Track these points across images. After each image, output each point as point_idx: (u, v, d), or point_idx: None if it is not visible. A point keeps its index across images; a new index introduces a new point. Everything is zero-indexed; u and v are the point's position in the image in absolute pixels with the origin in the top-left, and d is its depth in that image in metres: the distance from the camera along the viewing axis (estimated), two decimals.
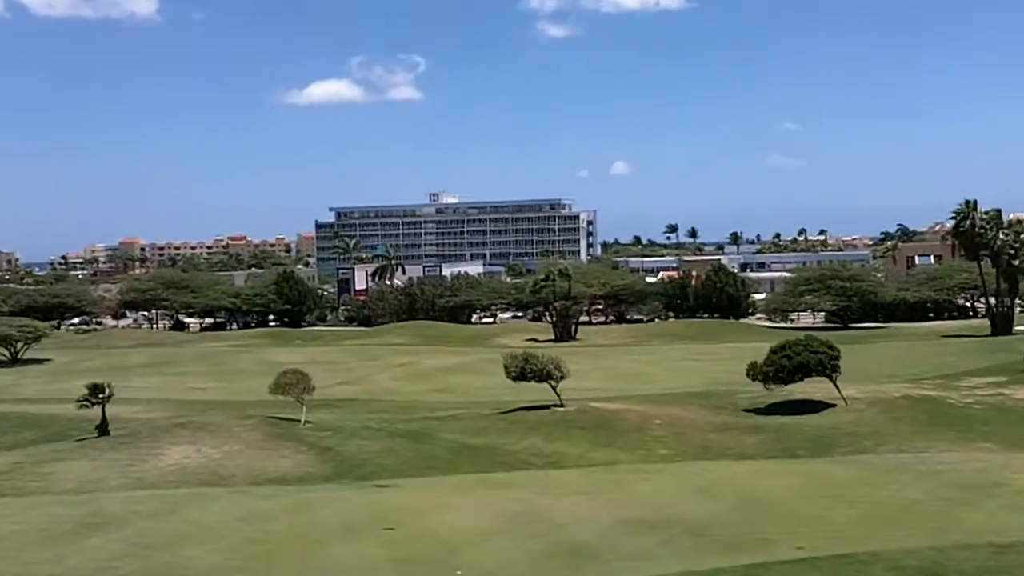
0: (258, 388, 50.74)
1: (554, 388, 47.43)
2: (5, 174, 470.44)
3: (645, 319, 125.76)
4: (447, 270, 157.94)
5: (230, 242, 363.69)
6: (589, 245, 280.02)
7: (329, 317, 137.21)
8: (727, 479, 35.77)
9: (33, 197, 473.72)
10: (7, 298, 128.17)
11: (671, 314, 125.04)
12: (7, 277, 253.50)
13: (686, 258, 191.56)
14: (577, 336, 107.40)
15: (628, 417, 46.14)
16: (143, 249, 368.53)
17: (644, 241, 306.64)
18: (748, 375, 49.18)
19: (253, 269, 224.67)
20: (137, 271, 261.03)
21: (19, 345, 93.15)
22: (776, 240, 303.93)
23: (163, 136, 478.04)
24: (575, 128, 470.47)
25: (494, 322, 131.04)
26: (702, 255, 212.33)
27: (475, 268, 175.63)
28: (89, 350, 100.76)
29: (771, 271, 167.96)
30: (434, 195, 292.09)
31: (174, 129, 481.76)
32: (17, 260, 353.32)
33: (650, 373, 73.22)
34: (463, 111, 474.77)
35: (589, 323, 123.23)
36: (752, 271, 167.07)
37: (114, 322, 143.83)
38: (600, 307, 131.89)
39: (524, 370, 47.11)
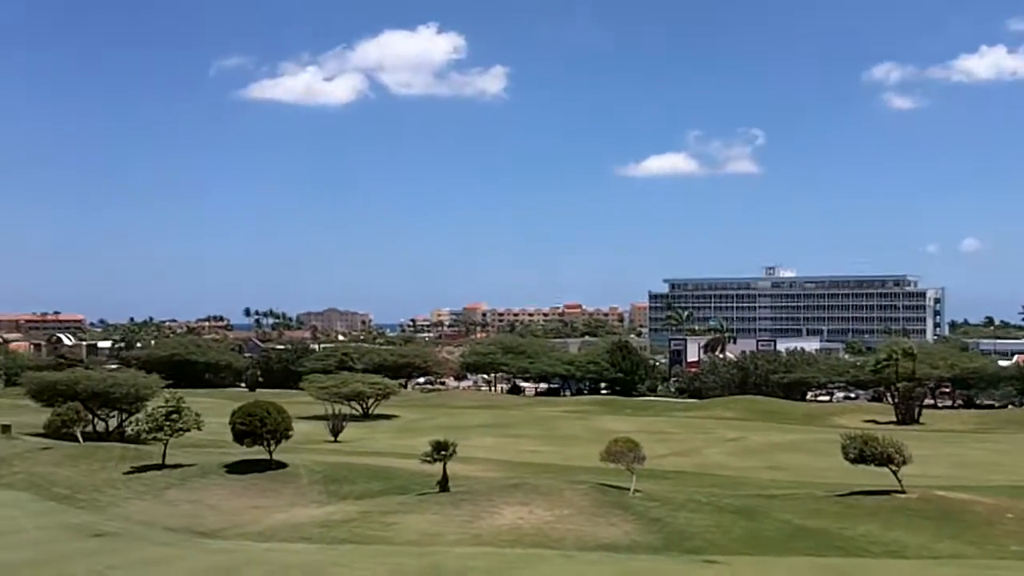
0: (589, 454, 51.14)
1: (895, 473, 45.00)
2: (362, 242, 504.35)
3: (996, 405, 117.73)
4: (781, 345, 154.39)
5: (566, 310, 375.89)
6: (936, 324, 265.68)
7: (660, 388, 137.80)
8: None
9: (387, 265, 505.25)
10: (361, 356, 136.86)
11: None
12: (361, 337, 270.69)
13: None
14: (921, 420, 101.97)
15: (976, 509, 43.03)
16: (485, 314, 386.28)
17: (996, 322, 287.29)
18: None
19: (587, 337, 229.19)
20: (478, 335, 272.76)
21: (371, 401, 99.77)
22: None
23: (509, 209, 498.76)
24: (923, 202, 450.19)
25: (830, 400, 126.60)
26: None
27: (812, 344, 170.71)
28: (433, 408, 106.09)
29: None
30: (770, 268, 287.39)
31: (518, 202, 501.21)
32: (371, 321, 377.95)
33: (1002, 463, 68.23)
34: (803, 184, 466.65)
35: (934, 407, 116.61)
36: None
37: (456, 383, 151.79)
38: (946, 390, 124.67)
39: (863, 452, 44.79)
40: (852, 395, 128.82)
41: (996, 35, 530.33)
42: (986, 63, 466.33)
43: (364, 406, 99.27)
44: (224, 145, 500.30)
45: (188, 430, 53.50)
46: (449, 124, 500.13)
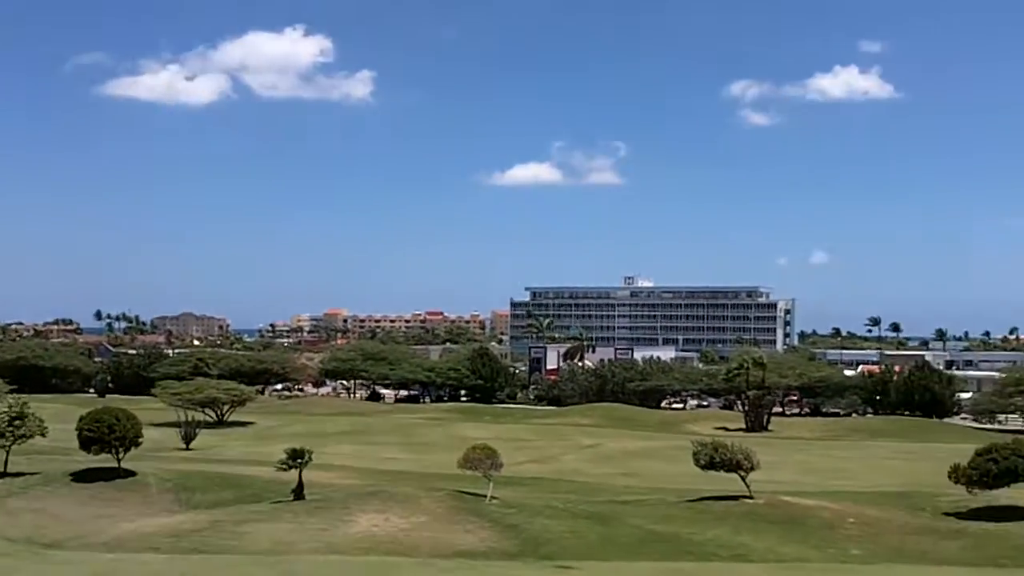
0: (447, 462, 51.29)
1: (743, 479, 46.33)
2: (219, 244, 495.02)
3: (842, 413, 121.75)
4: (639, 354, 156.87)
5: (427, 317, 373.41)
6: (786, 335, 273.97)
7: (520, 395, 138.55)
8: None
9: (246, 267, 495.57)
10: (217, 362, 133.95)
11: (869, 410, 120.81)
12: (218, 342, 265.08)
13: (888, 352, 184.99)
14: (769, 427, 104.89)
15: (820, 514, 44.58)
16: (346, 320, 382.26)
17: (844, 333, 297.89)
18: (950, 477, 46.89)
19: (448, 344, 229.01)
20: (339, 342, 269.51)
21: (225, 407, 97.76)
22: (985, 338, 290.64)
23: (371, 213, 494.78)
24: (775, 216, 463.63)
25: (683, 408, 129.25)
26: (905, 350, 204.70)
27: (667, 353, 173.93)
28: (290, 415, 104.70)
29: (979, 370, 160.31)
30: (629, 278, 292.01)
31: (381, 206, 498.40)
32: (228, 326, 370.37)
33: (845, 469, 70.69)
34: (662, 196, 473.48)
35: (782, 415, 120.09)
36: (958, 369, 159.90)
37: (315, 390, 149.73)
38: (794, 399, 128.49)
39: (713, 459, 46.19)
40: (705, 403, 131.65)
41: (849, 56, 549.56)
42: (839, 82, 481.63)
43: (219, 413, 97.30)
44: (82, 142, 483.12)
45: (32, 437, 51.69)
46: (314, 127, 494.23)
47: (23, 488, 48.02)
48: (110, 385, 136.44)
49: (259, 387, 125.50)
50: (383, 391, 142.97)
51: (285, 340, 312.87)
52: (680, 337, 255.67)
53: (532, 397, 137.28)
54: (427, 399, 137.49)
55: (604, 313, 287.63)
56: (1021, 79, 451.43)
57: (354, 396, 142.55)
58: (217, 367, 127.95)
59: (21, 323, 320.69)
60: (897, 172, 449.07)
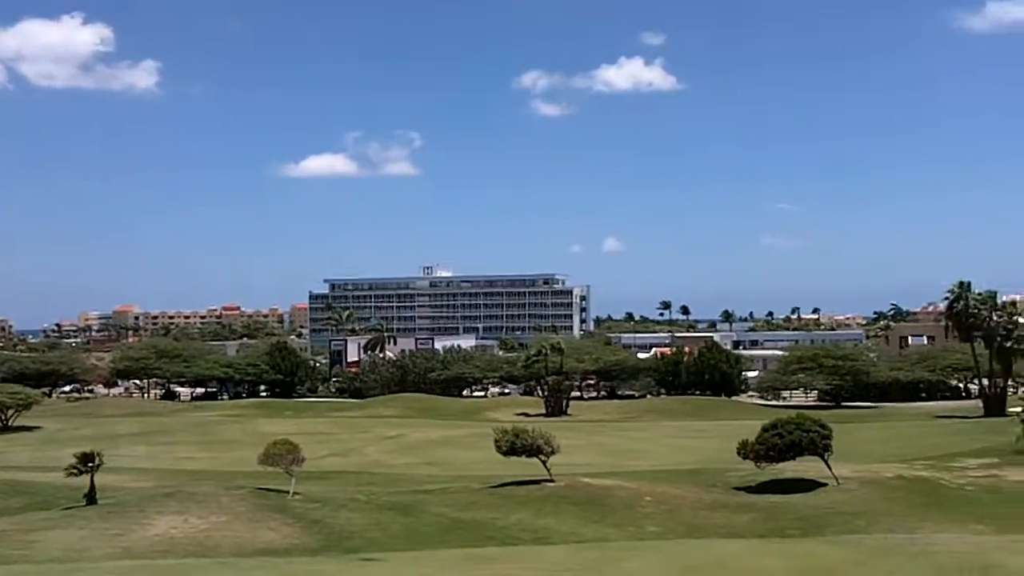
0: (248, 459, 50.33)
1: (544, 463, 47.21)
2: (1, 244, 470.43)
3: (637, 395, 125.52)
4: (439, 343, 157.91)
5: (224, 312, 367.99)
6: (582, 320, 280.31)
7: (321, 388, 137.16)
8: (716, 558, 35.45)
9: (28, 265, 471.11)
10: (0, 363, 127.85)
11: (663, 391, 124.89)
12: (0, 343, 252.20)
13: (678, 334, 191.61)
14: (569, 411, 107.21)
15: (618, 494, 45.87)
16: (137, 318, 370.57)
17: (637, 317, 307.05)
18: (739, 453, 48.98)
19: (246, 339, 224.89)
20: (130, 340, 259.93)
21: (10, 412, 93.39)
22: (769, 319, 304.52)
23: (159, 206, 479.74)
24: (568, 205, 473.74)
25: (485, 396, 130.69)
26: (695, 332, 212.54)
27: (468, 342, 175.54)
28: (80, 418, 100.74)
29: (764, 349, 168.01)
30: (428, 268, 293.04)
31: (170, 199, 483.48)
32: (11, 327, 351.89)
33: (642, 450, 72.98)
34: (458, 187, 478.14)
35: (581, 399, 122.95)
36: (745, 349, 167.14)
37: (106, 391, 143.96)
38: (592, 383, 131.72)
39: (514, 445, 46.87)
40: (506, 390, 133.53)
41: (633, 47, 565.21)
42: (624, 74, 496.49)
43: (3, 418, 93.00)
44: None
45: None
46: (95, 118, 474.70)
47: None
48: None
49: (46, 390, 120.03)
50: (178, 389, 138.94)
51: (73, 340, 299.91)
52: (480, 325, 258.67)
53: (334, 390, 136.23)
54: (225, 396, 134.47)
55: (404, 304, 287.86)
56: (797, 71, 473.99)
57: (148, 396, 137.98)
58: (1, 369, 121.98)
59: None
60: (681, 161, 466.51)
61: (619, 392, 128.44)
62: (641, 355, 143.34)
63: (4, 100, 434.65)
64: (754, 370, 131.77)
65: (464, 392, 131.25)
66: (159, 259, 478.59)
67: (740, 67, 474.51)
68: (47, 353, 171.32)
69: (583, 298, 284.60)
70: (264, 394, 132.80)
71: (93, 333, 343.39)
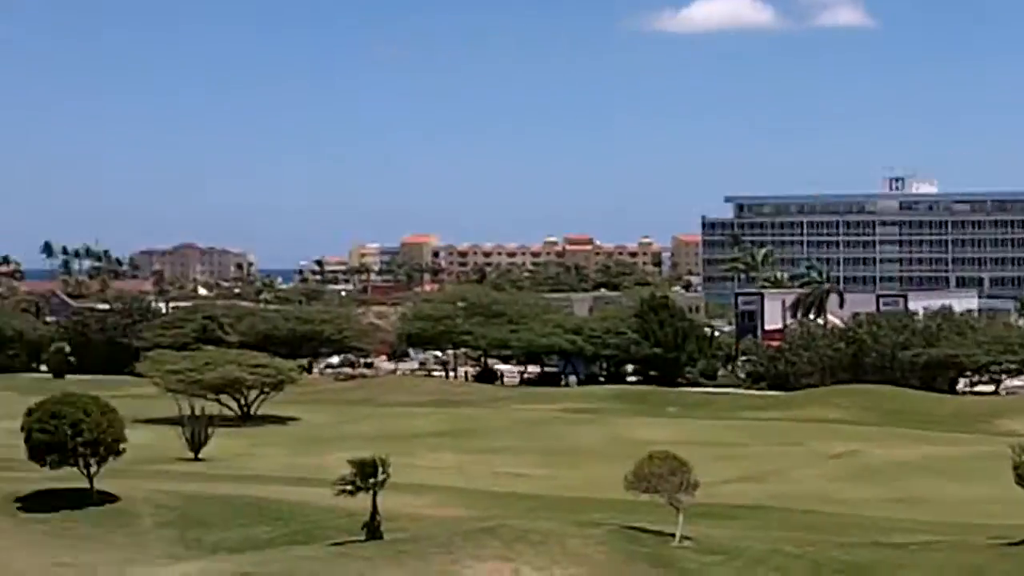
0: (609, 479, 41.04)
1: None
2: (224, 149, 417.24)
3: None
4: (917, 303, 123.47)
5: (567, 248, 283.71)
6: None
7: (722, 372, 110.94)
8: None
9: (271, 181, 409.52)
10: (237, 321, 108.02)
11: None
12: (237, 290, 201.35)
13: None
14: None
15: None
16: (436, 254, 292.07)
17: None
18: None
19: (603, 291, 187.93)
20: (427, 287, 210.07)
21: (253, 395, 77.96)
22: None
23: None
24: None
25: (996, 392, 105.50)
26: None
27: (966, 302, 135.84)
28: (355, 407, 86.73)
29: None
30: (897, 180, 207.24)
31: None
32: (252, 264, 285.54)
33: None
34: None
35: None
36: None
37: (391, 365, 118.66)
38: None
39: None
40: None
41: None
42: None
43: (243, 403, 78.50)
44: None
45: None
46: None
47: None
48: (71, 360, 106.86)
49: (304, 361, 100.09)
50: (501, 367, 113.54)
51: (342, 287, 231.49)
52: (985, 275, 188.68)
53: (743, 376, 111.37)
54: (572, 378, 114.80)
55: (856, 238, 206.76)
56: None
57: (455, 375, 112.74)
58: (237, 330, 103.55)
59: None
60: None
61: None
62: None
63: None
64: None
65: (960, 385, 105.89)
66: (469, 172, 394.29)
67: None
68: (305, 306, 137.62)
69: None
70: (633, 378, 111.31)
71: (372, 276, 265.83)
